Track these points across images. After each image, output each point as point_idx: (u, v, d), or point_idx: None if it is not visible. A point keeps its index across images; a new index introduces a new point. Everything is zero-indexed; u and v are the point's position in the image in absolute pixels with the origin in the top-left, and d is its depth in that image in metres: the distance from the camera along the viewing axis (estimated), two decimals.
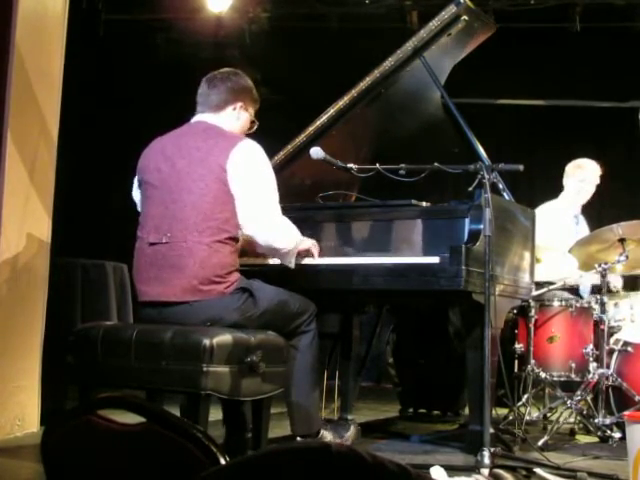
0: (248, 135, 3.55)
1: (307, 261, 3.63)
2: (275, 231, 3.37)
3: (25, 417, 4.19)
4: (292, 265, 3.49)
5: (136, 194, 3.53)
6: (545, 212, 5.10)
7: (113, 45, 7.03)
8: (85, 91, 6.26)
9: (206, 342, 2.91)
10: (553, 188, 5.54)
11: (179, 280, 3.20)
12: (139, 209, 3.50)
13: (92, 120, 6.66)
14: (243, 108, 3.52)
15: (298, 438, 3.43)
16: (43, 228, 4.34)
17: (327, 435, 3.63)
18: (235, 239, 3.32)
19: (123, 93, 7.12)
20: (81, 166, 6.45)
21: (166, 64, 7.18)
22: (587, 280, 5.04)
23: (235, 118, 3.50)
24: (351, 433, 3.99)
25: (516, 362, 4.62)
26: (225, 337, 2.98)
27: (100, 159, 6.86)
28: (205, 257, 3.20)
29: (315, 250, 3.66)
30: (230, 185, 3.26)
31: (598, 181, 5.44)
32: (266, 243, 3.39)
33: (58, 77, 4.48)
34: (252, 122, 3.60)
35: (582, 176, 5.41)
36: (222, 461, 1.63)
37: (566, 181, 5.49)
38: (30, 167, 4.22)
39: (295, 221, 3.50)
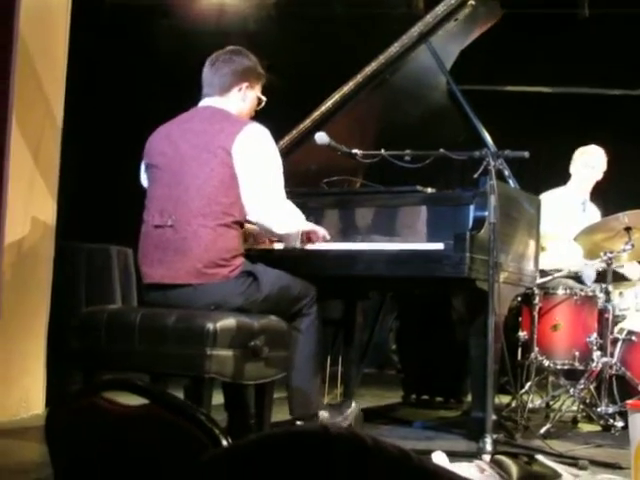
0: (257, 113, 3.57)
1: (316, 246, 3.63)
2: (279, 215, 3.38)
3: (30, 399, 4.23)
4: (297, 245, 3.50)
5: (144, 178, 3.55)
6: (550, 199, 5.10)
7: (117, 31, 7.02)
8: (89, 75, 6.25)
9: (210, 326, 2.93)
10: (559, 175, 5.53)
11: (183, 263, 3.22)
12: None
13: (97, 104, 6.65)
14: (249, 88, 3.51)
15: (298, 422, 3.45)
16: (48, 212, 4.37)
17: (326, 416, 3.63)
18: (240, 223, 3.34)
19: (127, 78, 7.11)
20: (86, 150, 6.45)
21: (170, 49, 7.16)
22: (591, 268, 5.04)
23: (241, 99, 3.50)
24: (352, 410, 4.00)
25: (519, 350, 4.62)
26: (229, 321, 3.00)
27: (105, 143, 6.85)
28: (209, 241, 3.21)
29: (326, 235, 3.66)
30: (235, 169, 3.27)
31: (605, 167, 5.43)
32: (269, 227, 3.40)
33: (62, 61, 4.49)
34: (259, 99, 3.59)
35: (588, 162, 5.41)
36: (224, 443, 1.65)
37: (573, 168, 5.48)
38: (35, 151, 4.24)
39: (299, 206, 3.50)
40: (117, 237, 5.07)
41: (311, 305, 3.49)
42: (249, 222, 3.51)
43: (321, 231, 3.65)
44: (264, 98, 3.61)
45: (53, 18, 4.45)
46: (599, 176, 5.44)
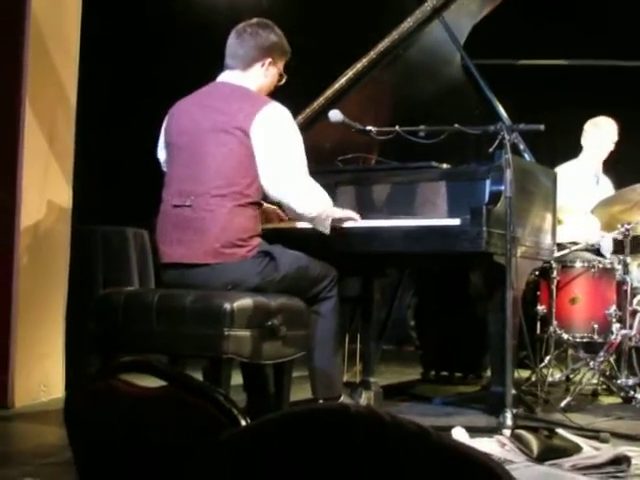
0: (277, 90, 3.54)
1: (346, 224, 3.62)
2: (302, 196, 3.33)
3: (50, 383, 4.25)
4: (327, 231, 3.45)
5: (161, 154, 3.54)
6: (564, 172, 5.06)
7: (129, 9, 7.00)
8: (102, 56, 6.24)
9: (227, 306, 2.92)
10: (575, 148, 5.49)
11: (201, 243, 3.21)
12: (164, 169, 3.52)
13: (110, 86, 6.64)
14: (272, 64, 3.48)
15: (320, 401, 3.45)
16: (63, 195, 4.37)
17: (348, 399, 3.65)
18: (257, 204, 3.32)
19: (141, 58, 7.09)
20: (100, 132, 6.45)
21: (182, 28, 7.14)
22: (608, 240, 5.00)
23: (263, 75, 3.47)
24: (366, 397, 3.99)
25: (538, 324, 4.61)
26: (246, 301, 2.99)
27: (119, 124, 6.85)
28: (227, 220, 3.20)
29: (353, 214, 3.65)
30: (254, 150, 3.25)
31: (616, 138, 5.39)
32: (294, 208, 3.36)
33: (75, 43, 4.48)
34: (280, 75, 3.56)
35: (600, 134, 5.37)
36: (243, 423, 1.64)
37: (584, 140, 5.44)
38: (49, 135, 4.23)
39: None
40: (133, 219, 5.07)
41: (331, 288, 3.45)
42: (268, 202, 3.50)
43: (354, 215, 3.64)
44: (285, 76, 3.58)
45: (66, 0, 4.43)
46: (611, 147, 5.40)
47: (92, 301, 3.30)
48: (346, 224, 3.63)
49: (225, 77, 3.47)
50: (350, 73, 4.34)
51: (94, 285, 4.75)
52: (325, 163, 4.24)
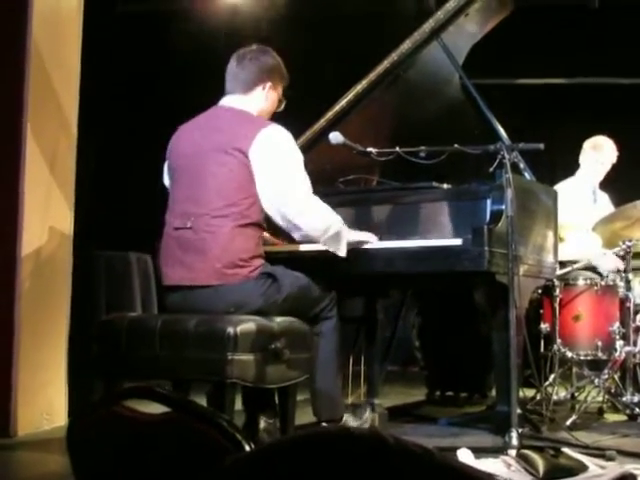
0: (276, 114, 3.57)
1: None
2: (306, 213, 3.31)
3: (53, 411, 4.22)
4: (343, 253, 3.43)
5: (166, 179, 3.56)
6: (562, 191, 5.06)
7: (129, 36, 7.03)
8: (103, 82, 6.26)
9: (230, 330, 2.91)
10: (575, 167, 5.50)
11: (203, 264, 3.21)
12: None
13: (111, 112, 6.67)
14: (272, 88, 3.52)
15: (323, 424, 3.44)
16: (65, 220, 4.37)
17: (350, 420, 3.64)
18: (258, 225, 3.32)
19: (140, 84, 7.12)
20: (102, 157, 6.47)
21: (182, 54, 7.17)
22: (608, 258, 4.96)
23: (264, 98, 3.50)
24: (368, 417, 3.98)
25: (542, 342, 4.59)
26: (249, 325, 2.98)
27: (120, 150, 6.87)
28: (228, 241, 3.21)
29: (369, 237, 3.64)
30: (253, 171, 3.26)
31: (615, 159, 5.39)
32: (300, 227, 3.33)
33: (76, 69, 4.49)
34: (280, 101, 3.59)
35: (599, 157, 5.37)
36: (247, 448, 1.63)
37: (583, 159, 5.44)
38: (50, 160, 4.24)
39: None
40: (136, 244, 5.07)
41: (331, 308, 3.47)
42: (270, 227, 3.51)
43: (371, 238, 3.64)
44: (284, 101, 3.61)
45: (65, 28, 4.45)
46: (608, 168, 5.41)
47: (95, 327, 3.29)
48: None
49: (226, 101, 3.50)
50: (350, 95, 4.36)
51: (97, 311, 4.75)
52: (326, 185, 4.24)
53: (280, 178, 3.29)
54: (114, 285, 4.91)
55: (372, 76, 4.36)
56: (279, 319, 3.16)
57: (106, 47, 6.37)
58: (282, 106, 3.61)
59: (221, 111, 3.48)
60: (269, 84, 3.50)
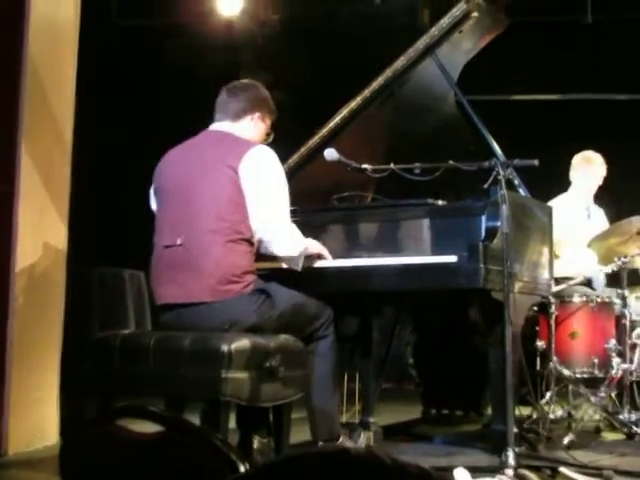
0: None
1: (318, 264, 3.64)
2: (285, 237, 3.39)
3: (45, 429, 4.19)
4: (299, 268, 3.49)
5: (154, 203, 3.55)
6: (556, 207, 5.06)
7: (125, 50, 7.05)
8: (98, 97, 6.26)
9: (224, 348, 2.90)
10: (570, 183, 5.50)
11: (196, 281, 3.22)
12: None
13: (106, 127, 6.67)
14: (260, 119, 3.57)
15: (320, 443, 3.43)
16: (59, 237, 4.35)
17: (347, 440, 3.63)
18: (249, 241, 3.33)
19: (136, 98, 7.13)
20: (96, 174, 6.46)
21: (178, 69, 7.18)
22: (600, 274, 4.98)
23: (252, 127, 3.55)
24: (365, 437, 3.96)
25: (538, 359, 4.57)
26: (243, 342, 2.97)
27: (115, 166, 6.87)
28: (220, 257, 3.22)
29: (325, 253, 3.67)
30: (242, 188, 3.29)
31: (605, 173, 5.40)
32: (270, 249, 3.40)
33: (71, 84, 4.48)
34: (268, 134, 3.64)
35: (588, 169, 5.37)
36: (242, 469, 1.62)
37: (573, 174, 5.45)
38: (45, 176, 4.22)
39: (310, 224, 3.49)
40: (129, 260, 5.06)
41: (327, 326, 3.48)
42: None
43: (324, 251, 3.68)
44: (273, 133, 3.65)
45: (62, 40, 4.44)
46: (600, 182, 5.41)
47: (88, 344, 3.28)
48: (333, 262, 3.66)
49: (215, 127, 3.55)
50: (345, 111, 4.36)
51: (90, 327, 4.73)
52: (321, 201, 4.24)
53: (266, 198, 3.33)
54: (107, 302, 4.90)
55: (367, 92, 4.37)
56: (274, 336, 3.14)
57: (102, 61, 6.38)
58: (270, 139, 3.65)
59: (211, 133, 3.54)
60: (258, 114, 3.56)
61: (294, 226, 3.45)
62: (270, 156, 3.39)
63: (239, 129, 3.50)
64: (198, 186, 3.31)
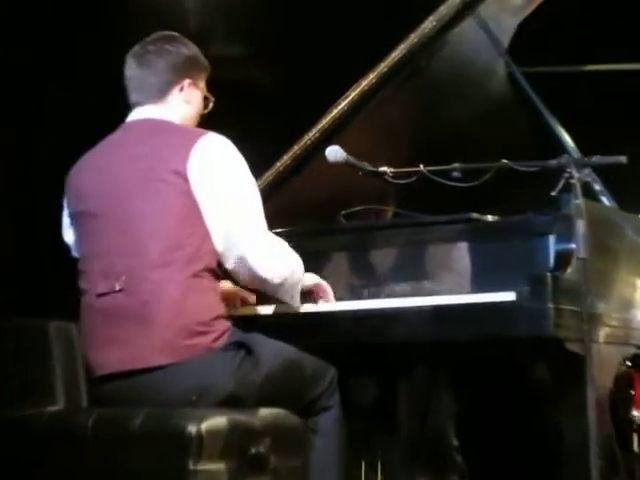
0: (204, 118, 3.63)
1: (318, 307, 3.65)
2: (264, 254, 3.36)
3: None
4: (296, 302, 3.49)
5: (68, 234, 3.57)
6: None
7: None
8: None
9: (192, 429, 2.91)
10: None
11: (146, 338, 3.21)
12: (75, 253, 3.53)
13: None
14: (192, 85, 3.58)
15: None
16: None
17: None
18: (214, 272, 3.34)
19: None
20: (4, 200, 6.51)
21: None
22: None
23: (184, 101, 3.56)
24: None
25: (635, 436, 4.57)
26: (218, 420, 2.98)
27: (37, 196, 6.92)
28: (177, 299, 3.22)
29: (328, 291, 3.68)
30: (196, 198, 3.29)
31: None
32: (251, 273, 3.37)
33: None
34: (206, 98, 3.65)
35: None
36: None
37: None
38: None
39: (307, 251, 3.49)
40: (55, 309, 5.07)
41: (331, 393, 3.48)
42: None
43: (329, 287, 3.68)
44: (212, 97, 3.67)
45: None
46: None
47: (2, 426, 3.28)
48: (336, 305, 3.66)
49: (137, 114, 3.54)
50: (353, 94, 4.37)
51: (4, 402, 4.72)
52: (323, 220, 4.25)
53: (231, 206, 3.34)
54: (27, 365, 4.89)
55: (384, 67, 4.38)
56: (260, 411, 3.15)
57: None
58: (210, 106, 3.67)
59: (132, 127, 3.53)
60: (187, 81, 3.56)
61: (278, 238, 3.44)
62: (226, 147, 3.39)
63: (169, 110, 3.51)
64: (134, 204, 3.31)
